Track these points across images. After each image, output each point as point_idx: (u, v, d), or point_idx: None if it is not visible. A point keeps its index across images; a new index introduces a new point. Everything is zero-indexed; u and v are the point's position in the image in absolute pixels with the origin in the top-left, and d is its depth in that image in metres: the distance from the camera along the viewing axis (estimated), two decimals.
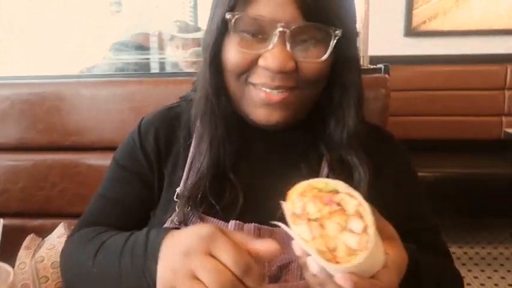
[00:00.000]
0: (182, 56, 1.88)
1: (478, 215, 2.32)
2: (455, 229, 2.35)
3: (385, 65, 0.96)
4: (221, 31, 0.59)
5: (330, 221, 0.40)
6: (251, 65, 0.58)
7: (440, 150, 2.35)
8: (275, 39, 0.56)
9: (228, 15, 0.57)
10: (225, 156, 0.64)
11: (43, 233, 1.00)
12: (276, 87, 0.58)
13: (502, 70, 2.45)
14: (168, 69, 1.93)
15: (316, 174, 0.64)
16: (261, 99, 0.59)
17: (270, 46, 0.56)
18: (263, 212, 0.56)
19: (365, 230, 0.39)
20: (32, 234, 0.98)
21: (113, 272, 0.55)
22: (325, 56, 0.58)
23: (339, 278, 0.40)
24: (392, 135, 0.74)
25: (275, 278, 0.59)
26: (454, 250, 2.19)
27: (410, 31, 2.56)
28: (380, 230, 0.43)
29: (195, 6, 2.58)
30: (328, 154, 0.64)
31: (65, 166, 1.05)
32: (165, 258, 0.47)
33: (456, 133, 2.44)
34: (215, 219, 0.62)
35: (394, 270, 0.45)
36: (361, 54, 1.01)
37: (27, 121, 1.06)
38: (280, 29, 0.55)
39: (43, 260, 0.87)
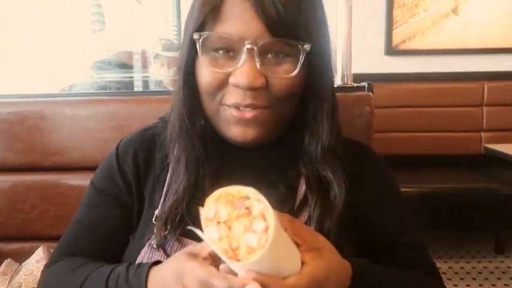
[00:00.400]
0: (166, 74, 1.88)
1: (462, 229, 2.35)
2: (440, 244, 2.37)
3: (368, 83, 0.97)
4: (191, 52, 0.60)
5: (237, 223, 0.43)
6: (223, 84, 0.58)
7: (423, 165, 2.38)
8: (243, 56, 0.56)
9: (195, 35, 0.58)
10: (204, 177, 0.63)
11: (20, 257, 0.96)
12: (248, 106, 0.58)
13: (480, 87, 2.52)
14: (152, 87, 1.92)
15: (294, 192, 0.63)
16: (235, 117, 0.59)
17: (239, 64, 0.56)
18: None
19: (266, 230, 0.42)
20: (8, 259, 0.95)
21: None
22: (295, 72, 0.57)
23: (241, 275, 0.43)
24: (372, 150, 0.74)
25: None
26: (439, 265, 2.20)
27: (391, 50, 2.63)
28: (306, 241, 0.47)
29: (178, 25, 2.60)
30: (305, 171, 0.63)
31: (45, 187, 1.02)
32: None
33: (438, 148, 2.49)
34: (194, 242, 0.60)
35: (306, 280, 0.46)
36: (344, 72, 1.03)
37: (5, 141, 1.03)
38: (248, 46, 0.55)
39: (20, 286, 0.83)
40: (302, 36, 0.56)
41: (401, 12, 2.60)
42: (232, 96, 0.58)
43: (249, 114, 0.58)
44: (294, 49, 0.57)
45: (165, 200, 0.64)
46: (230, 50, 0.57)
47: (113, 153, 0.71)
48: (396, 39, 2.62)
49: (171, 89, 0.71)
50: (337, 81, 1.04)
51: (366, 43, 2.50)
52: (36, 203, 1.02)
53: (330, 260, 0.50)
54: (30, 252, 0.95)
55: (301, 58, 0.57)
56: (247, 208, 0.43)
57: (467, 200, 2.19)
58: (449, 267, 2.21)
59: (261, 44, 0.55)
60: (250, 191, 0.44)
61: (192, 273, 0.47)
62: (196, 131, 0.63)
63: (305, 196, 0.62)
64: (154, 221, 0.63)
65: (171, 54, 1.91)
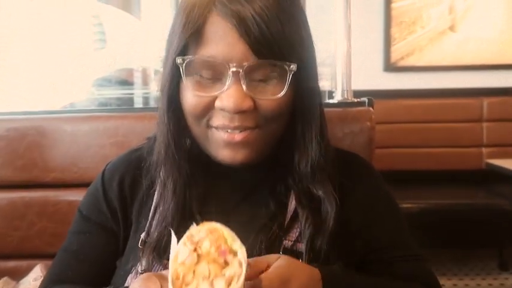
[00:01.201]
0: None
1: (464, 246, 2.33)
2: (442, 261, 2.34)
3: (369, 98, 0.97)
4: (174, 76, 0.59)
5: (206, 265, 0.43)
6: (209, 108, 0.58)
7: (423, 181, 2.38)
8: (229, 79, 0.55)
9: (178, 60, 0.56)
10: (191, 199, 0.63)
11: (18, 275, 0.94)
12: (236, 128, 0.57)
13: (478, 103, 2.54)
14: (152, 104, 1.93)
15: (284, 208, 0.63)
16: (224, 140, 0.58)
17: (225, 87, 0.55)
18: None
19: None
20: (5, 277, 0.93)
21: None
22: (282, 93, 0.57)
23: None
24: (362, 160, 0.73)
25: None
26: (443, 282, 2.17)
27: (389, 67, 2.65)
28: (268, 262, 0.48)
29: None
30: (295, 187, 0.63)
31: (44, 204, 1.01)
32: None
33: (438, 164, 2.48)
34: None
35: (268, 281, 0.46)
36: (345, 88, 1.03)
37: (4, 157, 1.02)
38: (234, 69, 0.54)
39: None
40: (288, 56, 0.56)
41: (399, 30, 2.64)
42: (219, 118, 0.57)
43: (238, 136, 0.57)
44: (280, 69, 0.56)
45: (150, 225, 0.64)
46: (215, 73, 0.56)
47: (99, 179, 0.71)
48: (394, 56, 2.65)
49: None
50: (338, 97, 1.04)
51: (364, 60, 2.52)
52: (34, 220, 1.01)
53: (291, 261, 0.50)
54: (28, 270, 0.94)
55: (288, 78, 0.56)
56: (225, 262, 0.43)
57: (469, 216, 2.17)
58: (454, 285, 2.18)
59: (246, 66, 0.54)
60: (241, 251, 0.44)
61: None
62: (182, 155, 0.62)
63: (295, 212, 0.62)
64: (140, 245, 0.63)
65: None
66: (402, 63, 2.66)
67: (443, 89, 2.58)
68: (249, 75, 0.55)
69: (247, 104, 0.55)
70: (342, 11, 1.05)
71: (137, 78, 1.91)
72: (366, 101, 0.98)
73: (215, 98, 0.57)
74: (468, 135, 2.52)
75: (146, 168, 0.67)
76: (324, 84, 1.16)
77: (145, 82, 1.96)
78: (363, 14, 2.50)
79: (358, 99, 1.01)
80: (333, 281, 0.53)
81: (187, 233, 0.45)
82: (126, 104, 1.81)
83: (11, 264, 1.01)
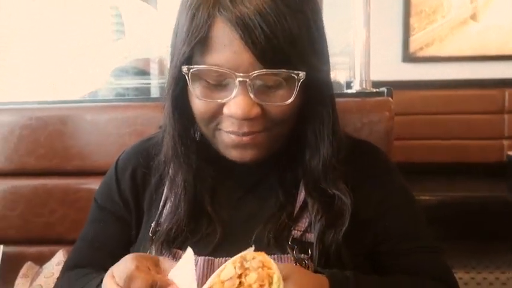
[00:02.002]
0: None
1: (484, 239, 2.29)
2: (461, 254, 2.30)
3: (388, 88, 0.96)
4: (180, 81, 0.58)
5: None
6: (217, 114, 0.57)
7: (443, 174, 2.34)
8: (236, 88, 0.54)
9: (184, 69, 0.56)
10: (202, 193, 0.64)
11: (41, 260, 0.97)
12: (245, 134, 0.57)
13: (500, 94, 2.48)
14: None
15: (293, 198, 0.63)
16: (232, 141, 0.58)
17: (233, 95, 0.54)
18: (239, 244, 0.55)
19: None
20: (29, 262, 0.96)
21: None
22: (291, 99, 0.55)
23: None
24: (376, 149, 0.72)
25: None
26: (461, 275, 2.14)
27: (408, 57, 2.60)
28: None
29: None
30: (305, 178, 0.63)
31: (66, 191, 1.03)
32: None
33: (458, 156, 2.44)
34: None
35: None
36: (363, 78, 1.02)
37: (27, 146, 1.05)
38: (240, 78, 0.53)
39: None
40: (296, 64, 0.54)
41: (418, 19, 2.58)
42: (228, 124, 0.57)
43: (246, 138, 0.57)
44: (288, 77, 0.55)
45: (161, 215, 0.65)
46: (221, 80, 0.56)
47: (112, 169, 0.73)
48: (414, 46, 2.59)
49: None
50: (356, 87, 1.03)
51: (383, 51, 2.47)
52: (56, 207, 1.03)
53: (301, 283, 0.48)
54: (50, 255, 0.96)
55: (297, 86, 0.55)
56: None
57: (489, 209, 2.14)
58: (472, 278, 2.15)
59: (253, 75, 0.53)
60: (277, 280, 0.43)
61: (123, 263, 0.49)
62: (190, 152, 0.63)
63: (304, 202, 0.62)
64: (151, 233, 0.64)
65: None
66: (421, 53, 2.60)
67: (463, 80, 2.52)
68: (256, 83, 0.55)
69: (255, 111, 0.55)
70: (361, 0, 1.04)
71: (153, 69, 1.92)
72: (385, 90, 0.97)
73: (223, 104, 0.56)
74: (489, 127, 2.46)
75: (158, 158, 0.68)
76: (342, 74, 1.15)
77: (161, 72, 1.97)
78: (381, 3, 2.45)
79: (377, 89, 1.00)
80: (341, 286, 0.53)
81: (243, 254, 0.44)
82: (143, 93, 1.83)
83: (34, 249, 1.04)
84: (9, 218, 1.04)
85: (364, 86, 1.02)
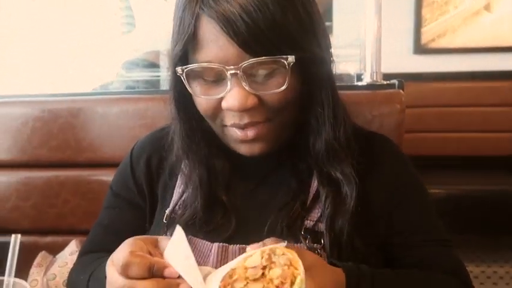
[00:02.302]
0: None
1: (494, 232, 2.27)
2: (471, 247, 2.29)
3: (399, 81, 0.95)
4: (178, 81, 0.59)
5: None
6: (217, 109, 0.58)
7: (455, 167, 2.31)
8: (229, 81, 0.55)
9: (178, 70, 0.57)
10: (216, 183, 0.64)
11: (55, 250, 0.99)
12: (247, 125, 0.57)
13: None
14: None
15: (306, 187, 0.63)
16: (239, 136, 0.59)
17: (227, 88, 0.55)
18: (253, 233, 0.56)
19: None
20: (43, 252, 0.98)
21: None
22: (284, 86, 0.55)
23: None
24: (387, 141, 0.72)
25: None
26: (471, 269, 2.13)
27: (420, 48, 2.56)
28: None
29: None
30: (316, 167, 0.63)
31: (77, 183, 1.05)
32: None
33: (469, 149, 2.41)
34: (202, 241, 0.61)
35: None
36: (374, 70, 1.01)
37: (40, 138, 1.06)
38: (231, 71, 0.54)
39: (55, 278, 0.86)
40: (284, 49, 0.54)
41: (430, 10, 2.54)
42: (230, 118, 0.58)
43: (250, 133, 0.58)
44: (280, 63, 0.55)
45: (176, 203, 0.66)
46: (216, 76, 0.56)
47: (127, 158, 0.75)
48: (425, 37, 2.55)
49: None
50: (366, 79, 1.02)
51: (394, 42, 2.44)
52: (68, 198, 1.05)
53: (319, 276, 0.48)
54: (64, 245, 0.98)
55: (288, 71, 0.55)
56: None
57: (499, 203, 2.11)
58: (482, 271, 2.14)
59: (242, 67, 0.53)
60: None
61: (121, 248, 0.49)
62: (200, 148, 0.64)
63: (317, 191, 0.62)
64: (165, 220, 0.65)
65: None
66: (433, 45, 2.56)
67: (476, 72, 2.48)
68: (248, 73, 0.55)
69: (251, 101, 0.55)
70: None
71: (163, 61, 1.93)
72: (396, 83, 0.96)
73: (221, 99, 0.57)
74: (502, 120, 2.42)
75: (171, 148, 0.68)
76: (353, 66, 1.14)
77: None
78: None
79: (388, 82, 0.99)
80: (357, 282, 0.53)
81: (273, 247, 0.44)
82: (153, 86, 1.84)
83: (48, 239, 1.06)
84: (23, 208, 1.06)
85: (374, 78, 1.01)
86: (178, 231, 0.49)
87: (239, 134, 0.58)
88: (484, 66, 2.49)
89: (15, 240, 0.47)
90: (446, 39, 2.55)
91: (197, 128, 0.64)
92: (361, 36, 1.04)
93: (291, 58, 0.54)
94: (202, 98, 0.58)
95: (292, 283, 0.41)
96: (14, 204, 1.06)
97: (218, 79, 0.57)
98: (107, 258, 0.62)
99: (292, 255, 0.43)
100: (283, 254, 0.43)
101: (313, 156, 0.63)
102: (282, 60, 0.54)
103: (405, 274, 0.61)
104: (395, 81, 0.97)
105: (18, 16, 1.90)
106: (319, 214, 0.61)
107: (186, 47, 0.56)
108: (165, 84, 1.93)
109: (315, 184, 0.63)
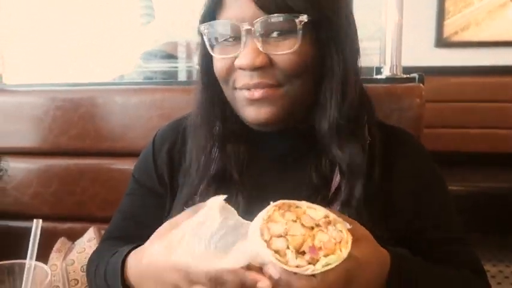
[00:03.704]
0: None
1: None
2: (489, 246, 2.25)
3: (419, 74, 0.93)
4: (202, 47, 0.62)
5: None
6: (232, 69, 0.60)
7: (475, 164, 2.26)
8: (243, 38, 0.57)
9: (201, 27, 0.60)
10: (230, 163, 0.65)
11: (73, 236, 1.01)
12: (256, 85, 0.58)
13: None
14: (196, 77, 1.95)
15: (328, 181, 0.62)
16: (246, 98, 0.60)
17: (242, 46, 0.57)
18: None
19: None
20: (62, 238, 1.00)
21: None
22: (297, 46, 0.56)
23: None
24: (409, 136, 0.71)
25: None
26: (488, 268, 2.09)
27: (442, 42, 2.51)
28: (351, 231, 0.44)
29: None
30: (341, 159, 0.61)
31: (97, 171, 1.07)
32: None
33: (491, 146, 2.35)
34: None
35: (336, 274, 0.43)
36: (394, 63, 0.99)
37: (60, 127, 1.08)
38: (246, 27, 0.56)
39: (73, 263, 0.88)
40: (296, 7, 0.55)
41: (454, 2, 2.47)
42: (241, 78, 0.59)
43: (257, 93, 0.58)
44: (292, 24, 0.56)
45: (198, 184, 0.66)
46: (234, 36, 0.59)
47: (150, 145, 0.76)
48: (448, 30, 2.49)
49: None
50: (386, 72, 1.01)
51: (415, 35, 2.38)
52: (87, 186, 1.07)
53: (365, 252, 0.47)
54: (82, 232, 1.00)
55: (299, 30, 0.56)
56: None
57: None
58: (500, 271, 2.10)
59: (256, 23, 0.56)
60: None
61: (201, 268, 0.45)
62: (216, 120, 0.65)
63: (339, 186, 0.62)
64: (185, 206, 0.64)
65: None
66: (456, 38, 2.50)
67: (500, 66, 2.41)
68: (263, 32, 0.56)
69: (262, 59, 0.56)
70: None
71: (181, 53, 1.93)
72: (417, 76, 0.94)
73: (235, 59, 0.59)
74: None
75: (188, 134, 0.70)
76: (372, 60, 1.12)
77: (189, 56, 1.98)
78: None
79: (408, 75, 0.97)
80: (400, 266, 0.52)
81: (338, 219, 0.43)
82: (171, 77, 1.85)
83: (67, 226, 1.09)
84: (44, 195, 1.09)
85: (394, 72, 1.00)
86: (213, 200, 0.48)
87: (246, 95, 0.59)
88: (508, 60, 2.42)
89: (36, 225, 0.48)
90: (469, 33, 2.48)
91: (217, 102, 0.65)
92: (382, 29, 1.02)
93: (303, 17, 0.56)
94: (219, 58, 0.60)
95: (327, 255, 0.41)
96: (35, 191, 1.09)
97: (234, 40, 0.59)
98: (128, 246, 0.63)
99: (347, 237, 0.42)
100: (340, 231, 0.42)
101: (318, 134, 0.61)
102: (295, 20, 0.55)
103: (438, 267, 0.61)
104: (415, 74, 0.95)
105: (40, 7, 1.93)
106: (339, 207, 0.60)
107: (212, 8, 0.60)
108: (182, 76, 1.94)
109: (337, 178, 0.62)
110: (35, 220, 0.50)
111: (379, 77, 1.01)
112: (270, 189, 0.64)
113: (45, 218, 1.12)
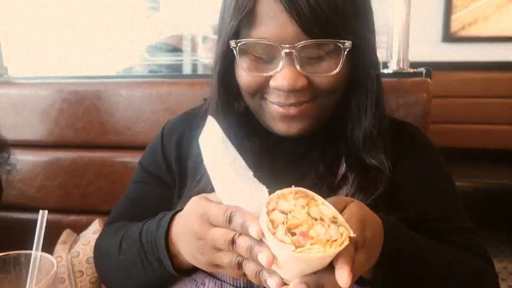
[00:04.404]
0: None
1: None
2: (495, 242, 2.24)
3: (426, 69, 0.92)
4: (227, 56, 0.60)
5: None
6: (263, 86, 0.59)
7: (481, 160, 2.25)
8: (282, 60, 0.55)
9: (232, 43, 0.57)
10: (245, 160, 0.64)
11: (78, 228, 1.02)
12: (292, 104, 0.58)
13: None
14: (200, 71, 1.95)
15: (334, 170, 0.63)
16: (279, 113, 0.59)
17: (279, 67, 0.56)
18: None
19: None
20: (68, 230, 1.01)
21: (135, 253, 0.60)
22: (337, 70, 0.56)
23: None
24: (417, 130, 0.72)
25: None
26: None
27: (449, 37, 2.48)
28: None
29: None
30: (346, 151, 0.63)
31: (101, 164, 1.07)
32: (182, 240, 0.52)
33: (498, 142, 2.33)
34: None
35: (355, 218, 0.44)
36: (401, 57, 0.98)
37: (66, 120, 1.09)
38: (286, 50, 0.54)
39: (78, 255, 0.89)
40: (341, 34, 0.54)
41: None
42: (274, 96, 0.59)
43: (294, 110, 0.58)
44: (334, 47, 0.55)
45: (205, 183, 0.66)
46: (268, 53, 0.57)
47: (159, 136, 0.76)
48: (455, 25, 2.47)
49: None
50: (392, 67, 1.00)
51: (422, 29, 2.37)
52: (92, 179, 1.08)
53: (364, 207, 0.48)
54: (87, 224, 1.01)
55: (343, 56, 0.56)
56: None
57: None
58: (504, 267, 2.10)
59: (298, 46, 0.54)
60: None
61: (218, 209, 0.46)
62: (232, 126, 0.64)
63: (345, 175, 0.63)
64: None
65: None
66: (463, 33, 2.47)
67: (508, 62, 2.38)
68: (302, 54, 0.55)
69: (301, 82, 0.56)
70: None
71: (186, 46, 1.93)
72: (424, 71, 0.93)
73: (269, 77, 0.57)
74: None
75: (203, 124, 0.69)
76: (379, 54, 1.11)
77: (194, 49, 1.97)
78: None
79: (415, 70, 0.96)
80: (395, 231, 0.52)
81: (344, 223, 0.42)
82: (176, 70, 1.85)
83: (72, 218, 1.09)
84: (50, 187, 1.09)
85: (401, 66, 0.99)
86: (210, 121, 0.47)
87: (281, 110, 0.59)
88: None
89: (42, 216, 0.48)
90: (477, 28, 2.45)
91: (232, 106, 0.65)
92: (389, 23, 1.01)
93: (348, 43, 0.55)
94: (249, 74, 0.58)
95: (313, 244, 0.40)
96: (41, 184, 1.09)
97: (269, 57, 0.57)
98: (137, 222, 0.63)
99: (344, 240, 0.41)
100: (341, 233, 0.41)
101: (350, 142, 0.63)
102: (339, 45, 0.55)
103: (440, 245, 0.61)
104: (422, 69, 0.94)
105: (46, 0, 1.93)
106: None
107: (242, 22, 0.56)
108: (187, 69, 1.93)
109: (343, 168, 0.63)
110: (41, 211, 0.50)
111: (386, 71, 1.00)
112: (280, 182, 0.64)
113: (50, 210, 1.13)
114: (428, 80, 0.91)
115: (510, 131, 2.35)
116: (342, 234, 0.41)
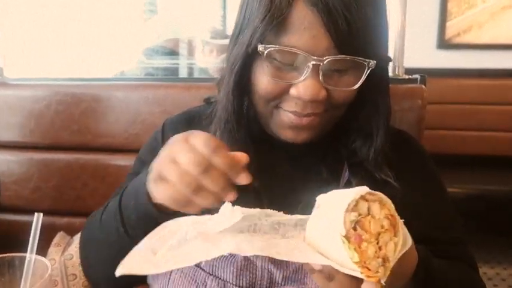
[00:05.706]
0: (214, 61, 1.90)
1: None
2: (488, 249, 2.25)
3: (421, 76, 0.93)
4: (249, 58, 0.59)
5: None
6: (282, 94, 0.59)
7: (475, 166, 2.27)
8: (308, 70, 0.55)
9: (260, 48, 0.56)
10: (249, 165, 0.64)
11: (72, 231, 1.01)
12: (307, 115, 0.59)
13: None
14: (196, 75, 1.96)
15: (337, 176, 0.64)
16: (291, 122, 0.60)
17: (302, 77, 0.56)
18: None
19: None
20: (61, 232, 1.00)
21: (114, 211, 0.61)
22: (358, 85, 0.58)
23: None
24: (411, 139, 0.73)
25: (292, 280, 0.59)
26: (486, 270, 2.10)
27: (444, 43, 2.50)
28: None
29: (224, 14, 2.63)
30: (349, 159, 0.64)
31: (96, 167, 1.07)
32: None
33: (491, 149, 2.35)
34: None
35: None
36: (396, 63, 0.99)
37: (62, 121, 1.08)
38: (314, 62, 0.54)
39: (72, 258, 0.88)
40: (368, 53, 0.55)
41: (457, 4, 2.47)
42: (291, 104, 0.59)
43: (305, 120, 0.59)
44: (359, 64, 0.56)
45: None
46: (293, 61, 0.57)
47: (159, 130, 0.76)
48: (450, 32, 2.49)
49: (217, 76, 0.72)
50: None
51: (417, 36, 2.38)
52: (87, 181, 1.07)
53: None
54: (81, 226, 0.99)
55: (365, 74, 0.57)
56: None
57: None
58: (497, 273, 2.11)
59: (327, 60, 0.54)
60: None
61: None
62: (240, 128, 0.64)
63: (348, 181, 0.63)
64: None
65: (222, 42, 1.94)
66: (458, 40, 2.50)
67: (501, 69, 2.41)
68: (327, 67, 0.56)
69: (323, 94, 0.56)
70: None
71: (182, 49, 1.94)
72: (418, 78, 0.94)
73: (290, 85, 0.57)
74: None
75: (203, 126, 0.69)
76: None
77: (190, 52, 1.98)
78: None
79: (410, 76, 0.97)
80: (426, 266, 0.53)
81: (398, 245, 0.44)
82: (172, 73, 1.85)
83: (66, 220, 1.09)
84: (44, 189, 1.09)
85: (396, 72, 1.00)
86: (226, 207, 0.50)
87: (292, 119, 0.59)
88: (510, 63, 2.42)
89: (37, 218, 0.48)
90: (471, 35, 2.48)
91: (242, 108, 0.64)
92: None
93: (373, 63, 0.56)
94: (271, 80, 0.58)
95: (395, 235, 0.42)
96: (36, 185, 1.09)
97: (293, 65, 0.57)
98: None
99: (377, 282, 0.42)
100: (378, 271, 0.42)
101: (355, 155, 0.64)
102: (364, 63, 0.56)
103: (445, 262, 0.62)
104: (417, 76, 0.95)
105: (43, 2, 1.92)
106: None
107: (273, 28, 0.55)
108: (183, 73, 1.94)
109: (346, 174, 0.64)
110: (36, 214, 0.50)
111: None
112: (283, 185, 0.66)
113: (44, 212, 1.12)
114: (423, 86, 0.92)
115: (504, 138, 2.38)
116: (378, 271, 0.41)
